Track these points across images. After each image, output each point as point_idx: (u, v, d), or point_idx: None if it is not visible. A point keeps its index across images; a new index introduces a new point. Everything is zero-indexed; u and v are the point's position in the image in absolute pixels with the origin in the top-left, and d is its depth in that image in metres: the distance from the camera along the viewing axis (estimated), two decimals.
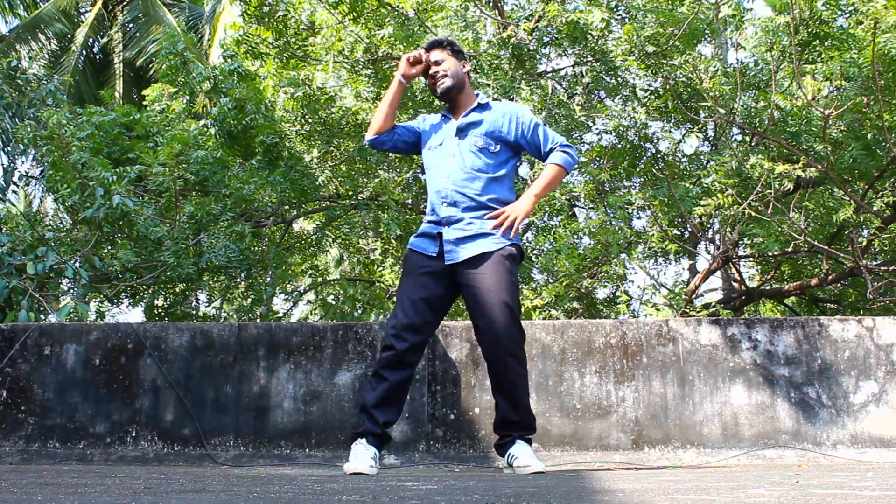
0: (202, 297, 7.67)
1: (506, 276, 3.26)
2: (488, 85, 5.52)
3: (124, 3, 16.36)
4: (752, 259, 7.49)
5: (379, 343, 3.47)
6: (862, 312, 6.85)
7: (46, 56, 15.23)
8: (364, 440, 3.21)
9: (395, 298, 3.42)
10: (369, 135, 3.54)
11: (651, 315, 6.11)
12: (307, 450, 3.88)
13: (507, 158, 3.45)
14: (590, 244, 5.84)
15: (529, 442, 3.29)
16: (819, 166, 4.68)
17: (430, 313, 3.32)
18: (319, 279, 8.88)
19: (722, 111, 5.17)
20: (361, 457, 3.14)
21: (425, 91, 5.93)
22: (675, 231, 6.26)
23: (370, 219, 6.67)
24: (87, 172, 5.31)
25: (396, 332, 3.25)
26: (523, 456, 3.20)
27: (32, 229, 5.21)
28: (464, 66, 3.53)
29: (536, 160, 3.91)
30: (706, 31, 5.43)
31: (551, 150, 3.45)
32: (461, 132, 3.43)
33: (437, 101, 5.58)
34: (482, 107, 3.49)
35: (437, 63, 3.48)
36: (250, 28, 6.39)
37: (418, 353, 3.32)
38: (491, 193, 3.37)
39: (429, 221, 3.41)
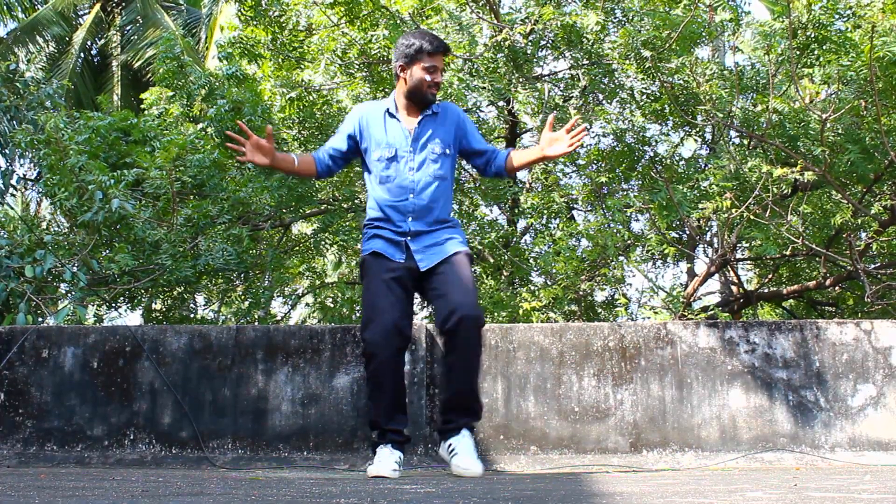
0: (200, 300, 7.67)
1: (470, 271, 3.33)
2: (484, 88, 5.52)
3: (122, 5, 16.36)
4: (750, 262, 7.49)
5: (362, 353, 3.31)
6: (860, 315, 6.85)
7: (44, 58, 15.21)
8: (389, 445, 3.21)
9: (366, 308, 3.29)
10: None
11: (649, 318, 6.11)
12: (305, 452, 3.88)
13: (454, 159, 3.47)
14: (588, 247, 5.85)
15: (472, 430, 3.27)
16: (817, 169, 4.68)
17: (409, 316, 3.31)
18: (317, 282, 8.87)
19: (719, 114, 5.18)
20: (386, 460, 3.14)
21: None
22: (674, 234, 6.26)
23: None
24: (83, 176, 5.31)
25: (385, 337, 3.16)
26: (464, 454, 3.17)
27: (30, 232, 5.20)
28: None
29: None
30: (703, 35, 5.44)
31: (494, 150, 3.50)
32: (416, 141, 3.36)
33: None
34: (435, 113, 3.42)
35: (441, 72, 3.39)
36: (246, 29, 6.39)
37: (405, 353, 3.33)
38: (446, 195, 3.40)
39: (390, 230, 3.33)
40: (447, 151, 3.39)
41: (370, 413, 3.32)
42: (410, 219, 3.32)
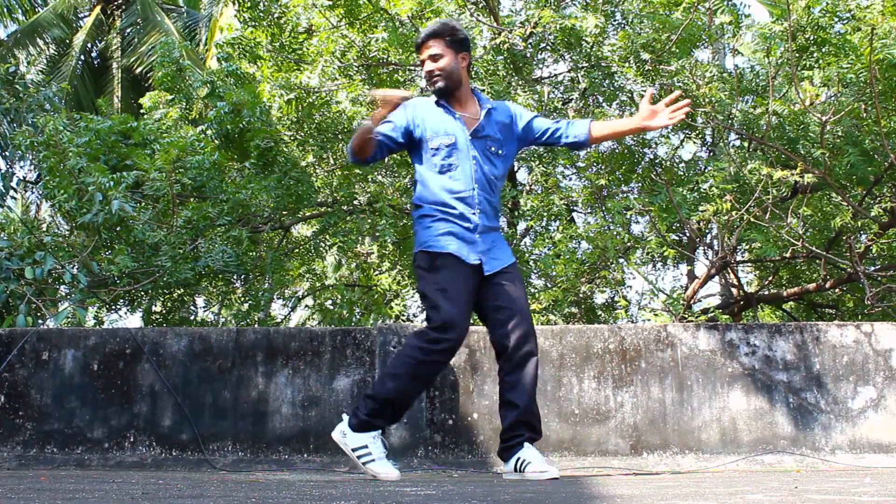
0: (200, 302, 7.67)
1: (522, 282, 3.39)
2: (483, 90, 5.53)
3: (123, 7, 16.36)
4: (750, 264, 7.49)
5: (435, 327, 3.10)
6: (860, 318, 6.85)
7: (44, 61, 15.22)
8: (381, 444, 3.18)
9: (435, 291, 3.16)
10: (350, 156, 3.32)
11: (649, 320, 6.11)
12: (305, 455, 3.88)
13: (507, 161, 3.43)
14: (588, 249, 5.85)
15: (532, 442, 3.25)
16: (817, 172, 4.69)
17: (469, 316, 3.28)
18: (317, 284, 8.86)
19: (719, 117, 5.18)
20: (387, 464, 3.15)
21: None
22: (674, 236, 6.26)
23: (367, 225, 6.66)
24: (83, 178, 5.31)
25: (461, 318, 3.10)
26: (537, 461, 3.15)
27: (30, 234, 5.20)
28: (463, 60, 3.33)
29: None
30: (702, 37, 5.44)
31: (560, 120, 3.46)
32: (475, 134, 3.29)
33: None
34: (491, 109, 3.36)
35: (433, 58, 3.28)
36: (245, 30, 6.40)
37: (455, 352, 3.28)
38: (500, 193, 3.41)
39: (460, 225, 3.22)
40: (500, 152, 3.34)
41: (393, 394, 3.14)
42: (478, 212, 3.24)
